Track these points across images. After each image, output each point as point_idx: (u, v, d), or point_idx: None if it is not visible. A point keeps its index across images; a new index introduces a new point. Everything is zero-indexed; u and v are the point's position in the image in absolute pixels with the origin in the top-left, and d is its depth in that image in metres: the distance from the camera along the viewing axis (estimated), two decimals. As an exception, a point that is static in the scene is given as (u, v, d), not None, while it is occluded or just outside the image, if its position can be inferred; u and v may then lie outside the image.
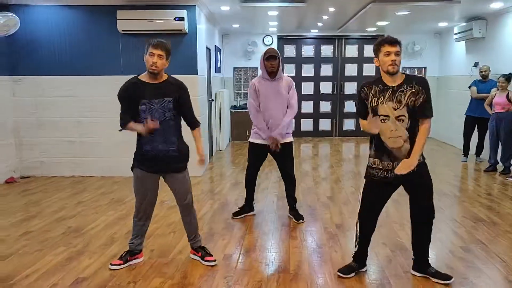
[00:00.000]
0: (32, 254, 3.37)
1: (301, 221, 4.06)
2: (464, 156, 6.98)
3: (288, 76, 4.16)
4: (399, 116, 2.61)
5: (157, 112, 2.87)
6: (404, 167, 2.62)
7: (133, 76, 2.97)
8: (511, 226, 3.91)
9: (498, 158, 6.13)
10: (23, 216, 4.33)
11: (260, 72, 4.08)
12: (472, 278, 2.90)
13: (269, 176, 6.10)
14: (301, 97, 9.13)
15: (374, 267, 3.11)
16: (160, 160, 2.94)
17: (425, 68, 9.80)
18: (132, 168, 3.05)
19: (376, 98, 2.65)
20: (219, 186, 5.59)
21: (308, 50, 10.00)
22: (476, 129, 6.75)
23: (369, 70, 9.95)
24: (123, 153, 6.11)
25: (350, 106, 10.10)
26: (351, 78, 10.01)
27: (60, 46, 5.88)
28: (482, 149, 6.83)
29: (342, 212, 4.42)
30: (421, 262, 2.89)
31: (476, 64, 7.33)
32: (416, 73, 9.96)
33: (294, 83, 4.09)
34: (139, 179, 3.03)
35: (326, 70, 10.00)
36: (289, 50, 9.96)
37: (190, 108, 3.07)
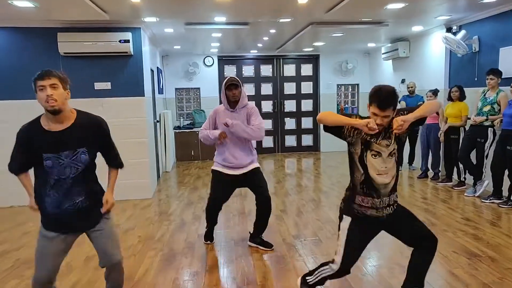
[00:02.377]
0: (-18, 291, 3.16)
1: (272, 248, 3.82)
2: (398, 165, 7.54)
3: (251, 104, 3.83)
4: (390, 152, 2.39)
5: (68, 167, 2.27)
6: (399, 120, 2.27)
7: (35, 118, 2.34)
8: (447, 225, 4.34)
9: (429, 166, 6.72)
10: (-37, 252, 4.01)
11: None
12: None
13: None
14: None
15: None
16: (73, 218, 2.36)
17: (358, 84, 10.50)
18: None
19: (373, 135, 2.37)
20: (172, 207, 5.56)
21: (248, 70, 10.30)
22: (407, 139, 7.35)
23: (306, 88, 10.45)
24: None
25: (290, 123, 10.50)
26: (290, 96, 10.44)
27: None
28: (414, 158, 7.45)
29: (297, 223, 4.62)
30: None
31: (403, 81, 8.03)
32: (350, 90, 10.66)
33: (255, 109, 3.76)
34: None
35: (266, 89, 10.35)
36: (230, 70, 10.18)
37: (113, 148, 2.53)
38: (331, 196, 5.88)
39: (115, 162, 2.55)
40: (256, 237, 3.90)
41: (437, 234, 3.89)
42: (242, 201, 5.61)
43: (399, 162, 2.47)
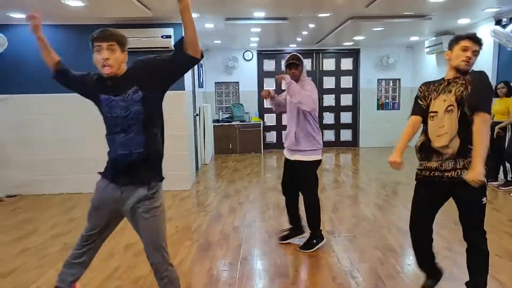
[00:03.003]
0: (34, 270, 3.41)
1: (299, 250, 3.69)
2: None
3: (310, 82, 3.58)
4: (448, 106, 2.35)
5: (119, 107, 2.15)
6: (471, 177, 2.20)
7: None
8: (491, 226, 4.16)
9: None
10: (19, 234, 4.33)
11: None
12: (459, 276, 3.13)
13: (257, 187, 6.27)
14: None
15: (367, 269, 3.30)
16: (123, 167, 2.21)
17: (399, 79, 10.25)
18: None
19: (431, 96, 2.45)
20: (209, 199, 5.71)
21: (287, 64, 10.28)
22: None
23: (346, 82, 10.32)
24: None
25: (329, 118, 10.43)
26: (329, 91, 10.35)
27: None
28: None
29: (332, 219, 4.62)
30: None
31: (447, 76, 7.75)
32: (390, 85, 10.42)
33: (308, 82, 3.54)
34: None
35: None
36: (269, 65, 10.23)
37: (166, 57, 2.25)
38: (368, 193, 5.83)
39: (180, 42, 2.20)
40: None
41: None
42: (279, 194, 5.67)
43: (464, 121, 2.28)
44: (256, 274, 3.30)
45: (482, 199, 2.42)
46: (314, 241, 3.67)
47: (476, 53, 2.35)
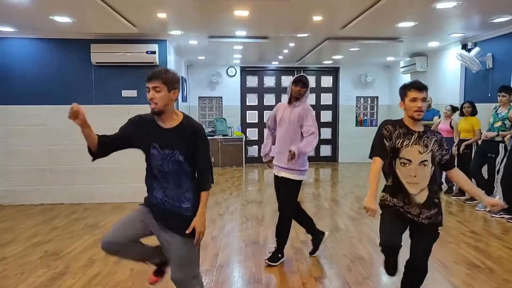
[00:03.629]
0: (14, 277, 3.50)
1: (267, 261, 3.74)
2: (413, 178, 7.63)
3: (306, 104, 3.71)
4: (423, 161, 2.51)
5: (169, 163, 2.32)
6: (494, 207, 2.57)
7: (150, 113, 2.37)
8: (453, 237, 4.46)
9: (443, 179, 6.80)
10: (-2, 243, 4.41)
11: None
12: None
13: (237, 199, 6.44)
14: (263, 125, 9.60)
15: (336, 276, 3.51)
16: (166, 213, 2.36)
17: (377, 97, 10.64)
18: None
19: (400, 140, 2.54)
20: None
21: (269, 81, 10.60)
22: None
23: (326, 99, 10.66)
24: (94, 180, 6.31)
25: (309, 133, 10.70)
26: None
27: (33, 77, 6.04)
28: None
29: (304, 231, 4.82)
30: None
31: (420, 95, 8.13)
32: (369, 103, 10.80)
33: (308, 110, 3.62)
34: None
35: (287, 99, 10.57)
36: (252, 81, 10.51)
37: (204, 160, 2.41)
38: (343, 206, 6.07)
39: (202, 180, 2.40)
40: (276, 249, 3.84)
41: (441, 245, 4.09)
42: (258, 207, 5.86)
43: (435, 175, 2.54)
44: (231, 280, 3.46)
45: (438, 230, 2.63)
46: (279, 255, 3.77)
47: (424, 99, 2.53)
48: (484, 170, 5.60)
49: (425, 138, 2.54)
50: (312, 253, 3.95)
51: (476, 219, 5.20)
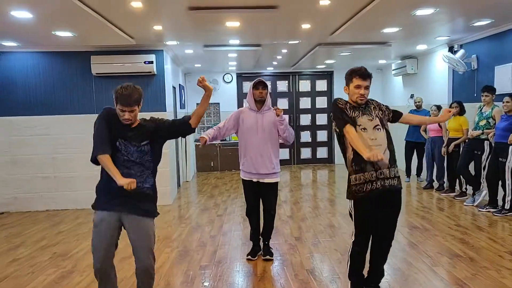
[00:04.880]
0: (25, 276, 3.74)
1: (268, 257, 3.93)
2: (406, 176, 7.87)
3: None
4: (375, 126, 2.75)
5: (134, 154, 2.64)
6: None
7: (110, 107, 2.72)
8: (439, 230, 4.70)
9: (434, 177, 7.03)
10: (8, 247, 4.64)
11: (246, 104, 3.98)
12: (405, 270, 3.59)
13: (235, 201, 6.67)
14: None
15: (326, 268, 3.74)
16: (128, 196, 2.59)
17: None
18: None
19: (354, 112, 2.76)
20: (188, 212, 6.09)
21: (265, 86, 10.84)
22: (415, 152, 7.69)
23: (321, 103, 10.91)
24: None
25: (305, 136, 10.96)
26: (305, 111, 10.91)
27: (35, 89, 6.31)
28: (421, 170, 7.76)
29: (300, 227, 5.06)
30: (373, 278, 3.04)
31: (411, 96, 8.39)
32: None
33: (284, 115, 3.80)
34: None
35: (283, 104, 10.85)
36: (248, 86, 10.71)
37: (171, 121, 2.88)
38: (337, 205, 6.30)
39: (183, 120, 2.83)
40: (263, 244, 4.05)
41: (427, 238, 4.32)
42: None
43: (389, 136, 2.80)
44: (228, 273, 3.69)
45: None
46: (271, 248, 4.09)
47: (367, 87, 2.76)
48: (472, 167, 5.83)
49: (368, 109, 2.81)
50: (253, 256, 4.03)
51: (464, 214, 5.42)
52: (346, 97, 2.92)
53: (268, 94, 3.82)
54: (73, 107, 6.33)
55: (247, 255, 4.04)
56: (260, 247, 4.07)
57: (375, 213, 2.81)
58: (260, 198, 3.96)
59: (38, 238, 4.93)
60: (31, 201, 6.39)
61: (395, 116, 3.00)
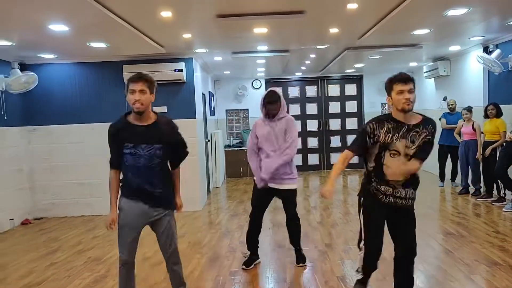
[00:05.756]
0: (62, 280, 3.87)
1: (301, 264, 3.95)
2: (440, 181, 7.64)
3: (290, 115, 3.90)
4: (407, 154, 2.56)
5: (143, 158, 2.65)
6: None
7: (122, 115, 2.78)
8: (476, 237, 4.53)
9: (470, 182, 6.80)
10: (46, 251, 4.82)
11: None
12: (439, 278, 3.48)
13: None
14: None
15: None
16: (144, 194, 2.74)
17: (402, 103, 10.65)
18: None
19: (390, 135, 2.55)
20: (218, 218, 6.14)
21: (294, 91, 10.85)
22: (449, 156, 7.46)
23: (351, 107, 10.79)
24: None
25: (335, 141, 10.84)
26: (334, 115, 10.81)
27: (71, 98, 6.55)
28: (456, 174, 7.51)
29: (331, 233, 5.00)
30: None
31: (444, 99, 8.16)
32: (394, 108, 10.82)
33: (292, 123, 3.79)
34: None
35: (312, 108, 10.81)
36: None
37: (183, 145, 2.88)
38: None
39: (178, 159, 2.90)
40: (295, 250, 4.06)
41: (464, 245, 4.18)
42: (283, 213, 6.06)
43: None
44: (258, 279, 3.69)
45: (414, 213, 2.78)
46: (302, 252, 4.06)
47: (411, 90, 2.51)
48: (510, 171, 5.60)
49: (414, 133, 2.54)
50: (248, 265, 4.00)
51: (503, 220, 5.20)
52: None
53: (282, 104, 3.78)
54: (106, 116, 6.48)
55: (242, 264, 4.00)
56: (257, 256, 4.09)
57: (383, 213, 2.73)
58: (282, 206, 4.00)
59: (75, 243, 5.09)
60: (67, 207, 6.62)
61: (422, 151, 2.62)
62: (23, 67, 6.23)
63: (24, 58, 6.20)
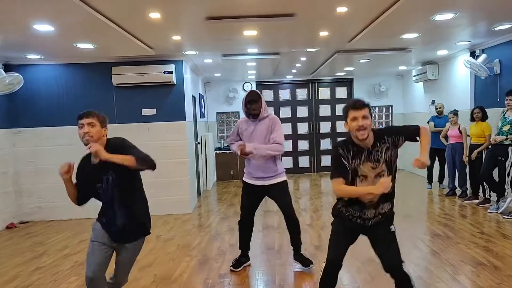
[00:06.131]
0: (48, 285, 3.82)
1: (311, 266, 3.90)
2: (429, 184, 7.71)
3: (272, 114, 3.95)
4: (379, 173, 2.52)
5: (111, 192, 2.64)
6: (422, 161, 2.44)
7: (86, 154, 2.70)
8: (462, 238, 4.57)
9: (456, 184, 6.87)
10: (32, 255, 4.74)
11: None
12: (426, 279, 3.50)
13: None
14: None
15: (346, 276, 3.68)
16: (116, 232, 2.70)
17: (391, 106, 10.75)
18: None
19: (356, 160, 2.51)
20: (208, 221, 6.11)
21: (284, 94, 10.87)
22: (436, 159, 7.53)
23: (341, 110, 10.75)
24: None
25: (326, 144, 10.88)
26: (325, 118, 10.86)
27: (58, 100, 6.47)
28: (444, 177, 7.59)
29: (320, 235, 5.01)
30: None
31: (433, 102, 8.25)
32: (384, 112, 10.92)
33: (277, 121, 3.84)
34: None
35: (302, 111, 10.84)
36: (267, 95, 10.79)
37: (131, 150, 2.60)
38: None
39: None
40: (295, 254, 4.00)
41: (449, 246, 4.22)
42: (274, 215, 6.07)
43: (393, 184, 2.52)
44: (248, 282, 3.68)
45: (391, 227, 2.64)
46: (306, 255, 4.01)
47: (365, 117, 2.43)
48: (495, 174, 5.68)
49: (375, 153, 2.50)
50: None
51: (488, 221, 5.27)
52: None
53: (263, 104, 3.82)
54: (95, 118, 6.45)
55: (230, 266, 3.99)
56: (248, 258, 4.08)
57: (351, 231, 2.69)
58: (276, 204, 3.96)
59: (61, 247, 5.03)
60: (54, 210, 6.53)
61: (411, 138, 2.62)
62: (8, 68, 6.16)
63: (9, 58, 6.13)
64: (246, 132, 3.87)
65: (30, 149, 6.50)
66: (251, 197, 3.95)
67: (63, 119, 6.47)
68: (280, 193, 3.90)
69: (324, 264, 2.76)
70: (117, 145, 2.60)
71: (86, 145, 2.54)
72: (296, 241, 3.96)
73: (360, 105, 2.47)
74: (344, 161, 2.52)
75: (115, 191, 2.63)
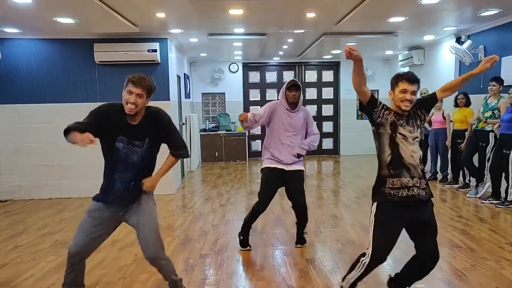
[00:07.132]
0: (26, 263, 3.76)
1: (299, 245, 4.00)
2: (411, 168, 7.80)
3: (303, 106, 3.96)
4: (414, 138, 2.53)
5: (136, 154, 2.60)
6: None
7: (118, 103, 2.58)
8: (440, 221, 4.65)
9: (438, 169, 6.97)
10: (10, 234, 4.67)
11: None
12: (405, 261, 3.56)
13: (239, 191, 6.67)
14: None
15: (327, 257, 3.72)
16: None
17: (377, 90, 10.77)
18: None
19: (395, 119, 2.53)
20: (192, 201, 6.10)
21: (271, 76, 10.79)
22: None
23: (327, 93, 10.84)
24: (101, 174, 6.53)
25: (311, 127, 10.89)
26: (311, 101, 10.84)
27: (38, 76, 6.30)
28: (426, 161, 7.68)
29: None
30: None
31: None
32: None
33: (310, 115, 3.96)
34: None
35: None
36: (254, 76, 10.71)
37: (174, 134, 2.71)
38: (340, 195, 6.28)
39: (176, 150, 2.73)
40: (297, 232, 4.05)
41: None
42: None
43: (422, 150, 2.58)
44: (228, 262, 3.69)
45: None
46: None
47: (414, 93, 2.49)
48: (476, 159, 5.77)
49: (411, 120, 2.54)
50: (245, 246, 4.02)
51: (466, 205, 5.38)
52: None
53: (301, 95, 3.81)
54: (76, 95, 6.33)
55: (245, 247, 3.98)
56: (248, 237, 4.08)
57: (400, 223, 2.59)
58: (286, 191, 3.94)
59: (41, 226, 4.96)
60: (35, 189, 6.43)
61: (430, 103, 2.71)
62: (-15, 42, 5.95)
63: (-14, 32, 5.92)
64: (285, 120, 3.79)
65: (9, 126, 6.35)
66: (276, 182, 3.86)
67: (43, 96, 6.32)
68: (297, 180, 3.86)
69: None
70: (158, 120, 2.63)
71: (127, 112, 2.50)
72: (302, 226, 4.00)
73: (414, 79, 2.52)
74: (378, 104, 2.59)
75: (143, 160, 2.63)
